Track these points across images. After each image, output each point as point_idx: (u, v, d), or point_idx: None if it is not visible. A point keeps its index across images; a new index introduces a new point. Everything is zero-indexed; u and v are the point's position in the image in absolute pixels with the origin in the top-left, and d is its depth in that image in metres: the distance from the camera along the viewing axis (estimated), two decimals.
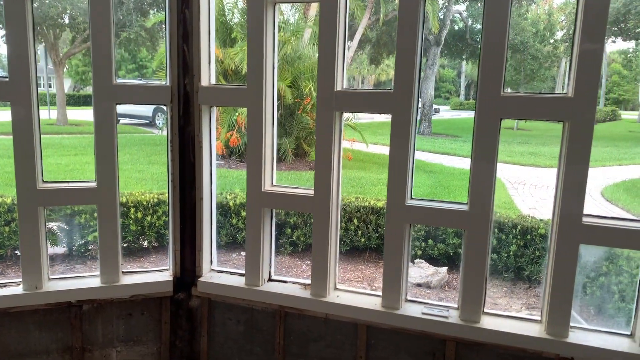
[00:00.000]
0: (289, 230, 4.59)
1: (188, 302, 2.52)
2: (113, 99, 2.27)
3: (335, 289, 2.35)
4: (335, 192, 2.24)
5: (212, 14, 2.36)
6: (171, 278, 2.48)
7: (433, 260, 4.77)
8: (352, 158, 10.21)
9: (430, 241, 4.87)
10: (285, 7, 12.20)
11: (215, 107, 2.45)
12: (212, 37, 2.39)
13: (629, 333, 1.99)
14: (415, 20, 1.97)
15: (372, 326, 2.22)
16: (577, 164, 1.87)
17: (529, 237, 4.52)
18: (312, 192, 2.24)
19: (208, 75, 2.38)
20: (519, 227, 4.59)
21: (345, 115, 11.18)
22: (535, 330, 2.03)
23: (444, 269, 4.62)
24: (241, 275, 2.47)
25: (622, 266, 3.86)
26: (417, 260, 4.73)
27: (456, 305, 2.18)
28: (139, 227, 4.74)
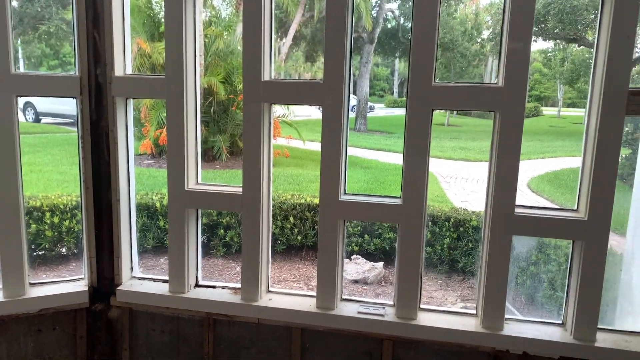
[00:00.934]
0: (222, 230, 4.40)
1: (107, 314, 2.30)
2: (12, 90, 2.02)
3: (268, 291, 2.22)
4: (266, 189, 2.11)
5: None
6: (86, 288, 2.25)
7: (370, 256, 4.76)
8: (289, 155, 10.09)
9: (366, 236, 4.85)
10: (217, 0, 11.87)
11: (132, 100, 2.25)
12: (127, 21, 2.18)
13: (560, 322, 2.00)
14: (343, 3, 1.87)
15: (307, 329, 2.11)
16: (509, 155, 1.85)
17: (462, 229, 4.59)
18: (240, 189, 2.10)
19: (123, 64, 2.17)
20: (452, 220, 4.66)
21: (281, 111, 11.06)
22: (471, 324, 2.00)
23: (380, 264, 4.62)
24: (165, 281, 2.29)
25: (551, 255, 3.99)
26: (354, 256, 4.70)
27: (392, 302, 2.12)
28: (56, 233, 4.39)
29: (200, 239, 2.28)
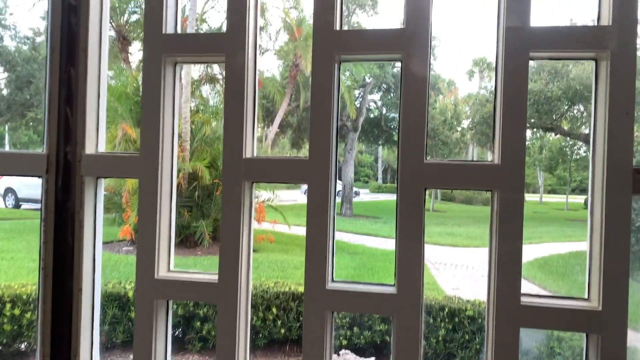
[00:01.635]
0: (198, 323, 4.08)
1: None
2: None
3: None
4: (245, 277, 1.91)
5: (103, 73, 2.07)
6: None
7: (359, 351, 4.42)
8: (274, 240, 9.87)
9: (355, 329, 4.55)
10: (205, 88, 12.18)
11: (103, 180, 2.10)
12: (103, 99, 2.08)
13: None
14: (329, 91, 1.80)
15: None
16: (510, 238, 1.70)
17: (457, 319, 4.33)
18: (216, 277, 1.90)
19: (95, 142, 2.05)
20: (447, 310, 4.41)
21: (266, 195, 10.99)
22: None
23: (372, 359, 4.28)
24: None
25: (554, 348, 3.72)
26: (342, 351, 4.36)
27: None
28: (16, 327, 4.03)
29: (170, 335, 2.03)
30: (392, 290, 1.80)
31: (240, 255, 1.87)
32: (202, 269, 7.95)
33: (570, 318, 1.68)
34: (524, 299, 1.71)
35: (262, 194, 10.33)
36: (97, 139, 2.06)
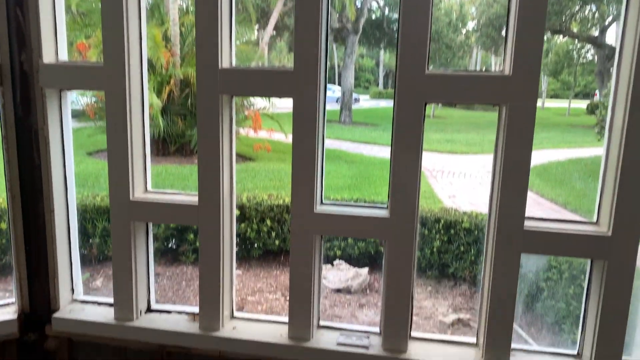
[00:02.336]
0: (192, 235, 4.05)
1: (42, 345, 1.95)
2: None
3: (232, 317, 1.89)
4: (228, 198, 1.77)
5: None
6: (16, 315, 1.90)
7: (354, 261, 4.44)
8: (271, 149, 9.74)
9: (349, 239, 4.53)
10: None
11: (69, 92, 1.89)
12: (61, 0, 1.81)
13: (575, 353, 1.70)
14: None
15: None
16: (518, 161, 1.53)
17: (452, 231, 4.29)
18: (196, 199, 1.76)
19: (54, 50, 1.81)
20: (442, 222, 4.36)
21: (262, 103, 10.68)
22: (470, 356, 1.69)
23: (365, 270, 4.30)
24: (112, 305, 1.94)
25: (564, 272, 3.69)
26: (337, 261, 4.37)
27: (378, 330, 1.80)
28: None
29: (152, 257, 1.93)
30: (384, 213, 1.67)
31: (221, 176, 1.72)
32: (195, 176, 7.87)
33: (577, 244, 1.56)
34: (527, 223, 1.58)
35: (258, 101, 10.02)
36: (57, 46, 1.82)
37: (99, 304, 1.98)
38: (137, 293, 1.86)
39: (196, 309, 1.92)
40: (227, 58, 1.68)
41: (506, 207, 1.56)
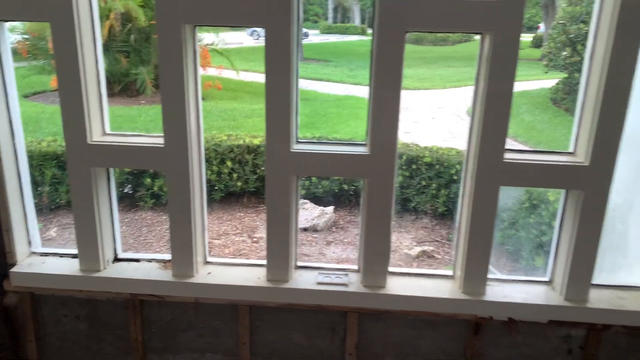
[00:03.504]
0: (148, 179, 3.87)
1: (1, 301, 1.83)
2: None
3: (206, 263, 1.83)
4: (196, 138, 1.65)
5: None
6: None
7: (318, 200, 4.42)
8: (222, 87, 9.38)
9: (314, 179, 4.49)
10: None
11: (5, 24, 1.67)
12: None
13: (547, 280, 1.76)
14: None
15: (256, 306, 1.76)
16: (500, 89, 1.49)
17: (414, 166, 4.32)
18: (161, 141, 1.63)
19: None
20: (404, 157, 4.36)
21: (210, 39, 10.15)
22: (449, 289, 1.72)
23: (330, 208, 4.30)
24: (75, 256, 1.83)
25: (524, 202, 3.78)
26: (301, 201, 4.34)
27: (356, 267, 1.79)
28: None
29: (115, 203, 1.82)
30: (364, 150, 1.61)
31: (187, 116, 1.59)
32: (148, 119, 7.52)
33: (555, 174, 1.56)
34: (507, 155, 1.56)
35: (205, 36, 9.51)
36: None
37: (61, 255, 1.87)
38: (102, 242, 1.75)
39: (166, 256, 1.84)
40: None
41: (487, 140, 1.54)
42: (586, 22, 8.36)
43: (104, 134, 1.71)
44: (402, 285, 1.73)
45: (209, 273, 1.77)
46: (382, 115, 1.54)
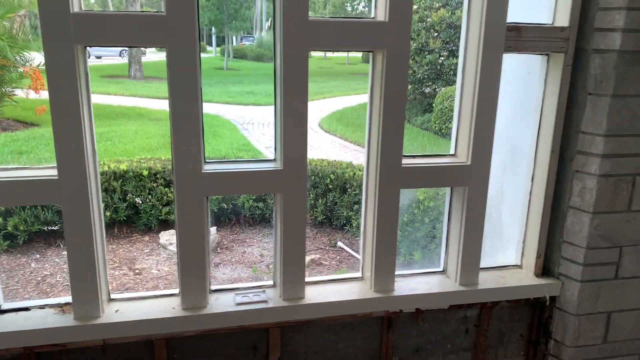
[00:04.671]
0: (0, 219, 3.37)
1: None
2: None
3: (110, 300, 1.69)
4: (92, 168, 1.53)
5: None
6: None
7: None
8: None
9: None
10: None
11: None
12: None
13: (441, 269, 1.96)
14: None
15: (173, 338, 1.67)
16: (395, 103, 1.64)
17: None
18: (54, 172, 1.48)
19: None
20: None
21: (41, 59, 9.15)
22: (362, 290, 1.82)
23: (213, 229, 4.18)
24: None
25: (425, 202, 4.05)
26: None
27: (272, 283, 1.81)
28: None
29: None
30: (274, 166, 1.65)
31: (85, 143, 1.47)
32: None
33: (445, 174, 1.76)
34: (404, 161, 1.72)
35: (36, 56, 8.57)
36: None
37: None
38: None
39: (60, 299, 1.66)
40: (78, 1, 1.41)
41: (386, 149, 1.68)
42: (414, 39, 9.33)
43: None
44: (318, 293, 1.79)
45: (116, 311, 1.64)
46: (292, 131, 1.59)
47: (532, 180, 1.92)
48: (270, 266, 3.73)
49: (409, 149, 7.14)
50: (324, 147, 7.73)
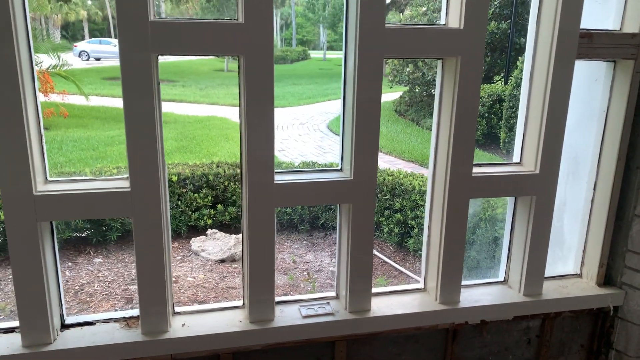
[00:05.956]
0: None
1: None
2: None
3: (175, 313, 1.65)
4: (163, 176, 1.49)
5: None
6: None
7: (225, 227, 4.21)
8: (68, 114, 8.48)
9: (219, 206, 4.27)
10: None
11: None
12: None
13: (501, 279, 1.92)
14: None
15: (239, 352, 1.63)
16: (468, 113, 1.61)
17: None
18: (127, 184, 1.44)
19: None
20: None
21: (49, 61, 9.13)
22: (426, 302, 1.79)
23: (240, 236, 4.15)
24: (10, 331, 1.51)
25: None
26: (210, 230, 4.10)
27: (334, 294, 1.77)
28: None
29: (59, 261, 1.55)
30: (344, 176, 1.61)
31: (159, 153, 1.43)
32: None
33: (513, 184, 1.73)
34: (475, 170, 1.69)
35: (44, 58, 8.52)
36: None
37: None
38: (51, 309, 1.48)
39: (126, 314, 1.62)
40: (153, 11, 1.37)
41: (458, 156, 1.64)
42: None
43: (47, 181, 1.45)
44: (383, 305, 1.75)
45: (183, 325, 1.60)
46: (364, 139, 1.56)
47: (594, 189, 1.89)
48: (305, 273, 3.67)
49: (425, 152, 7.13)
50: (337, 151, 7.69)
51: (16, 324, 1.50)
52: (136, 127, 1.39)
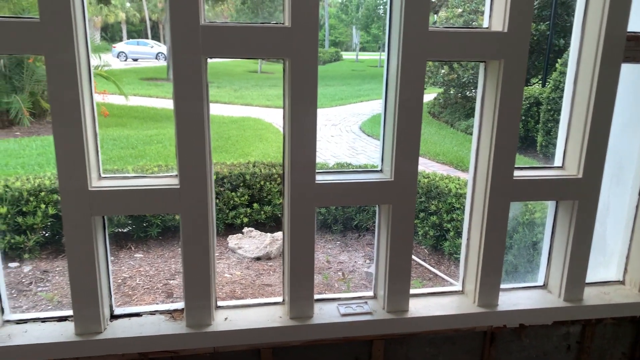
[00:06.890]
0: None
1: None
2: None
3: (217, 308, 1.70)
4: (209, 174, 1.54)
5: None
6: None
7: (261, 226, 4.29)
8: (108, 114, 8.74)
9: (255, 205, 4.35)
10: None
11: None
12: None
13: (541, 284, 1.91)
14: None
15: (278, 347, 1.67)
16: (510, 112, 1.61)
17: None
18: (176, 182, 1.50)
19: None
20: None
21: (94, 62, 9.44)
22: (464, 304, 1.79)
23: (279, 234, 4.21)
24: (62, 319, 1.59)
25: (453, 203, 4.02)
26: (246, 229, 4.18)
27: (372, 294, 1.80)
28: None
29: (109, 253, 1.62)
30: (382, 176, 1.63)
31: (207, 151, 1.49)
32: (35, 152, 6.72)
33: (555, 188, 1.72)
34: (516, 173, 1.68)
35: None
36: None
37: (43, 320, 1.61)
38: (102, 298, 1.55)
39: (171, 307, 1.69)
40: (202, 14, 1.42)
41: (499, 158, 1.64)
42: None
43: (101, 177, 1.52)
44: (421, 306, 1.76)
45: (225, 319, 1.65)
46: (406, 140, 1.57)
47: (639, 194, 1.85)
48: (339, 273, 3.71)
49: (459, 154, 7.06)
50: (369, 152, 7.70)
51: (69, 312, 1.58)
52: (186, 126, 1.45)
